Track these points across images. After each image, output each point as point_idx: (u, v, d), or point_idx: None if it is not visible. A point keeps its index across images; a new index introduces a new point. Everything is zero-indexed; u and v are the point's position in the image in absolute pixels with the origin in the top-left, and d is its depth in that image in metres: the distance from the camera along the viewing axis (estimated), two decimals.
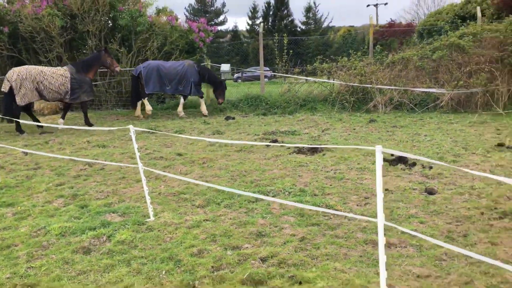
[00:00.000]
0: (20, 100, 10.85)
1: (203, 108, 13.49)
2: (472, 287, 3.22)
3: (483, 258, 2.78)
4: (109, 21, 15.56)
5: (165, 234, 4.54)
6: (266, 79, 50.47)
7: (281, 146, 8.31)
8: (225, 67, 17.88)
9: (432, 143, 8.29)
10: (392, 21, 45.65)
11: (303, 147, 7.91)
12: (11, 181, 6.82)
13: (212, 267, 3.75)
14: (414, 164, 6.66)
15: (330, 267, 3.61)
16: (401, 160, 6.81)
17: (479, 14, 14.81)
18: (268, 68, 49.02)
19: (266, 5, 70.56)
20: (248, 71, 55.17)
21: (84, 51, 15.12)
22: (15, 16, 14.12)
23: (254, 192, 5.65)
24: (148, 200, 5.01)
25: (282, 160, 7.50)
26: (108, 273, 3.76)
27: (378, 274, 3.28)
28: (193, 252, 4.04)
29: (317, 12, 70.91)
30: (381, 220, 2.92)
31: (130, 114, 14.32)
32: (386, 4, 60.35)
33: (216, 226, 4.66)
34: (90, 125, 11.66)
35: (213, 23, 65.54)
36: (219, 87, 13.71)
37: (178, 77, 13.02)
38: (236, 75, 48.78)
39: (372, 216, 4.66)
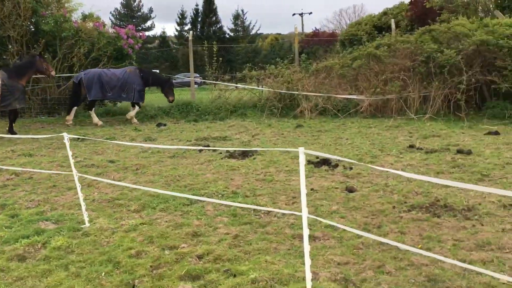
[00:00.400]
0: None
1: (132, 114, 13.48)
2: (383, 270, 3.69)
3: (393, 243, 3.24)
4: (31, 26, 15.00)
5: (102, 238, 4.65)
6: (196, 86, 50.61)
7: (214, 150, 8.61)
8: None
9: (352, 146, 8.98)
10: (316, 30, 47.65)
11: (234, 151, 8.25)
12: None
13: (151, 266, 3.95)
14: (336, 165, 7.22)
15: (262, 260, 3.94)
16: (325, 162, 7.34)
17: (393, 26, 16.06)
18: (198, 75, 49.10)
19: (194, 11, 70.55)
20: (178, 78, 54.83)
21: (4, 57, 14.46)
22: None
23: (186, 199, 5.89)
24: (83, 206, 5.08)
25: (215, 164, 7.78)
26: (47, 278, 3.83)
27: (304, 264, 3.67)
28: (131, 254, 4.21)
29: (245, 19, 72.02)
30: (305, 214, 3.31)
31: (55, 122, 13.91)
32: (310, 13, 62.90)
33: (153, 228, 4.84)
34: (14, 133, 11.24)
35: (140, 28, 64.41)
36: (165, 85, 13.75)
37: (120, 84, 13.02)
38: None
39: (298, 211, 5.09)
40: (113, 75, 13.16)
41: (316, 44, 40.25)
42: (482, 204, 5.11)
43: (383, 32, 17.43)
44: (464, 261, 3.70)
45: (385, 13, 31.24)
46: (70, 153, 5.13)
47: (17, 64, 12.02)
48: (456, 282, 3.39)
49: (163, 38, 73.85)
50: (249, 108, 14.22)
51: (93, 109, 13.24)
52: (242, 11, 71.43)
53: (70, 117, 13.14)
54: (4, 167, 7.12)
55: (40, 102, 14.51)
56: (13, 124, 11.43)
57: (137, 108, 13.60)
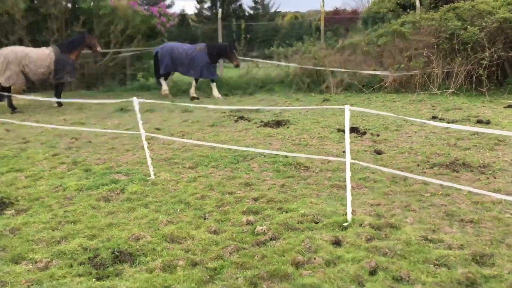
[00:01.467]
0: (4, 82, 11.24)
1: (215, 92, 13.75)
2: (409, 209, 4.47)
3: (422, 178, 4.01)
4: (69, 4, 15.85)
5: (169, 186, 5.52)
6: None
7: (249, 120, 9.40)
8: None
9: (378, 117, 9.66)
10: (337, 8, 47.58)
11: (268, 121, 9.01)
12: (7, 152, 7.47)
13: (216, 205, 4.80)
14: (364, 132, 7.96)
15: (307, 201, 4.76)
16: (354, 130, 8.08)
17: (417, 4, 16.41)
18: None
19: None
20: None
21: (44, 34, 15.36)
22: None
23: (233, 157, 6.73)
24: (149, 161, 5.95)
25: (252, 132, 8.59)
26: (133, 212, 4.72)
27: (343, 205, 4.48)
28: (197, 197, 5.07)
29: None
30: (348, 159, 4.09)
31: (93, 95, 14.80)
32: None
33: (210, 180, 5.70)
34: (61, 104, 12.21)
35: (157, 5, 64.92)
36: (228, 52, 13.58)
37: (188, 61, 13.48)
38: None
39: (334, 170, 5.90)
40: (184, 51, 13.62)
41: (337, 22, 40.25)
42: (497, 162, 5.83)
43: (408, 10, 17.80)
44: (476, 203, 4.46)
45: None
46: (139, 115, 5.94)
47: (69, 40, 12.83)
48: (469, 216, 4.16)
49: (182, 16, 74.14)
50: (277, 83, 14.90)
51: (163, 79, 14.00)
52: None
53: (163, 88, 13.99)
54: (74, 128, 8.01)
55: (80, 76, 15.45)
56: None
57: (194, 83, 13.88)
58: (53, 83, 12.27)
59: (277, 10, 73.64)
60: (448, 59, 12.92)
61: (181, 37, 63.69)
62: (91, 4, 15.10)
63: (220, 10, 17.59)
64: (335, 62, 14.34)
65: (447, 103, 11.04)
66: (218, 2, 71.97)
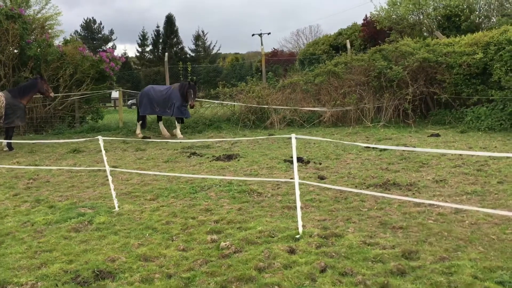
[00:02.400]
0: None
1: (178, 132, 13.98)
2: (350, 221, 5.22)
3: (360, 191, 4.77)
4: (16, 51, 16.01)
5: (134, 216, 5.98)
6: None
7: (201, 156, 9.99)
8: (115, 93, 19.08)
9: (319, 148, 10.60)
10: (275, 50, 49.89)
11: (220, 155, 9.65)
12: None
13: (181, 229, 5.33)
14: (308, 161, 8.79)
15: (263, 220, 5.40)
16: (299, 160, 8.89)
17: (348, 46, 18.02)
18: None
19: (155, 33, 71.75)
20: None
21: None
22: None
23: (191, 188, 7.29)
24: (114, 193, 6.38)
25: (206, 165, 9.19)
26: (104, 239, 5.14)
27: (294, 222, 5.16)
28: (163, 223, 5.57)
29: (205, 40, 73.92)
30: (296, 179, 4.82)
31: (43, 138, 14.84)
32: (269, 33, 65.25)
33: (172, 208, 6.21)
34: (12, 148, 12.25)
35: (100, 50, 65.13)
36: (186, 91, 13.72)
37: (163, 100, 13.80)
38: (130, 101, 49.15)
39: (284, 195, 6.61)
40: (160, 92, 13.94)
41: (276, 63, 42.20)
42: (421, 180, 6.79)
43: (340, 52, 19.44)
44: (404, 213, 5.31)
45: (340, 33, 33.54)
46: (104, 152, 6.41)
47: (20, 85, 12.96)
48: (399, 223, 4.98)
49: (125, 59, 74.25)
50: (224, 121, 15.68)
51: (139, 123, 14.38)
52: (203, 32, 73.31)
53: (137, 131, 14.39)
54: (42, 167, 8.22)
55: (28, 120, 15.46)
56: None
57: (177, 123, 14.08)
58: (3, 127, 12.33)
59: (218, 52, 75.66)
60: (378, 95, 14.32)
61: (123, 79, 63.65)
62: (38, 51, 15.34)
63: (166, 54, 18.25)
64: (277, 100, 15.39)
65: (379, 134, 12.23)
66: (160, 46, 72.84)
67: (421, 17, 24.92)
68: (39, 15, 17.46)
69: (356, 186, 6.79)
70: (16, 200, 7.15)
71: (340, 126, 14.38)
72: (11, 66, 15.41)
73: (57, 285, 4.00)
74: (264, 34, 62.69)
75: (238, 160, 9.59)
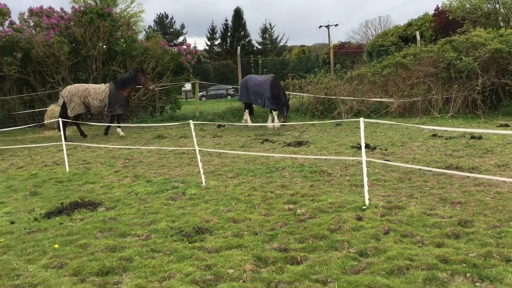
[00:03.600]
0: (70, 112, 13.05)
1: (275, 122, 14.03)
2: (412, 196, 5.81)
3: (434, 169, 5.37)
4: (105, 47, 17.70)
5: (220, 189, 6.92)
6: (229, 97, 52.74)
7: (273, 142, 10.83)
8: (188, 86, 20.34)
9: (385, 136, 11.08)
10: (343, 42, 49.78)
11: (291, 141, 10.43)
12: (76, 171, 8.96)
13: (262, 200, 6.18)
14: (375, 148, 9.36)
15: (333, 195, 6.13)
16: (365, 146, 9.45)
17: (418, 37, 18.08)
18: (231, 86, 51.70)
19: (224, 26, 73.70)
20: (212, 90, 57.46)
21: (84, 73, 17.17)
22: (26, 43, 16.06)
23: (267, 168, 8.13)
24: (202, 171, 7.37)
25: (279, 150, 10.01)
26: (197, 206, 6.10)
27: (361, 197, 5.84)
28: (245, 195, 6.45)
29: (273, 33, 74.79)
30: (364, 157, 5.49)
31: (127, 127, 16.40)
32: (336, 25, 65.05)
33: (252, 184, 7.09)
34: (106, 133, 13.92)
35: (172, 44, 68.17)
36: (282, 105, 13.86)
37: (256, 90, 14.05)
38: (200, 93, 51.23)
39: (352, 175, 7.28)
40: (255, 81, 14.24)
41: (343, 55, 42.17)
42: (483, 165, 7.19)
43: (409, 43, 19.48)
44: (464, 192, 5.82)
45: (410, 24, 33.05)
46: (194, 134, 7.41)
47: (123, 78, 14.35)
48: (458, 199, 5.52)
49: (199, 52, 76.87)
50: (293, 111, 16.42)
51: (246, 111, 14.84)
52: (270, 24, 74.20)
53: (244, 117, 14.98)
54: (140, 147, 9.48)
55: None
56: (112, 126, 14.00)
57: (272, 114, 14.21)
58: (106, 114, 13.92)
59: (284, 45, 76.24)
60: (446, 86, 14.41)
61: (193, 72, 65.82)
62: (124, 46, 16.89)
63: (238, 48, 19.27)
64: (345, 91, 15.89)
65: (446, 124, 12.44)
66: (228, 39, 74.59)
67: (497, 6, 24.14)
68: (125, 13, 19.07)
69: (419, 169, 7.31)
70: (118, 175, 8.37)
71: (407, 117, 14.65)
72: (101, 60, 17.08)
73: (166, 236, 4.98)
74: (331, 26, 62.44)
75: (308, 146, 10.33)
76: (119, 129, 13.90)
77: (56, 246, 4.81)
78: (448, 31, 23.68)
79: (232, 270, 3.95)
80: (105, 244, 4.75)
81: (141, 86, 14.58)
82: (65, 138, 13.00)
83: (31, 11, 18.07)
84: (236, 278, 3.80)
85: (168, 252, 4.48)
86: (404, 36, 31.09)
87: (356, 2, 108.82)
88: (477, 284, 3.44)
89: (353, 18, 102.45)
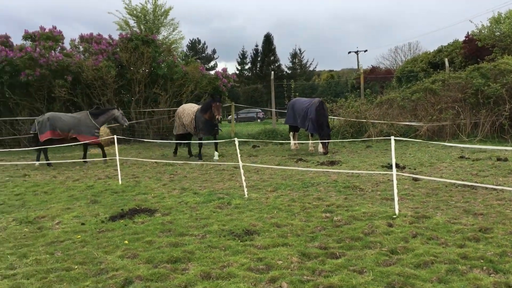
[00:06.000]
0: (174, 131, 13.90)
1: (318, 146, 13.80)
2: (438, 209, 6.41)
3: (465, 182, 5.99)
4: (147, 71, 18.94)
5: (262, 200, 7.65)
6: (258, 120, 53.62)
7: (306, 161, 11.50)
8: None
9: (414, 157, 11.64)
10: (372, 67, 50.40)
11: (324, 161, 11.09)
12: (127, 183, 9.86)
13: (301, 209, 6.87)
14: (404, 167, 9.95)
15: (366, 206, 6.78)
16: (396, 166, 10.06)
17: (447, 64, 18.63)
18: (260, 110, 52.78)
19: (254, 51, 75.39)
20: (241, 113, 58.73)
21: (127, 95, 18.40)
22: (77, 67, 17.42)
23: (303, 184, 8.83)
24: (244, 184, 8.13)
25: (312, 169, 10.70)
26: (243, 214, 6.84)
27: (392, 209, 6.48)
28: (285, 205, 7.16)
29: (302, 58, 76.04)
30: (394, 172, 6.16)
31: (167, 146, 17.42)
32: (366, 51, 65.63)
33: (289, 197, 7.79)
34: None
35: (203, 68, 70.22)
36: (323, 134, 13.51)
37: (303, 113, 14.05)
38: (229, 116, 52.48)
39: (383, 191, 7.91)
40: (301, 104, 14.24)
41: (372, 80, 42.68)
42: (507, 183, 7.71)
43: (438, 69, 20.03)
44: (487, 205, 6.38)
45: (439, 50, 33.45)
46: (239, 153, 8.20)
47: (205, 102, 14.03)
48: (481, 211, 6.09)
49: (236, 77, 78.64)
50: None
51: (291, 133, 15.07)
52: (300, 50, 75.46)
53: (292, 142, 14.98)
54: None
55: (156, 129, 18.20)
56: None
57: (310, 136, 14.32)
58: (195, 135, 14.07)
59: (313, 69, 77.23)
60: (474, 111, 14.88)
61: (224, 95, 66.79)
62: (166, 70, 18.06)
63: (272, 73, 20.21)
64: (375, 115, 16.53)
65: (474, 147, 12.89)
66: (258, 64, 76.08)
67: None
68: (166, 40, 20.36)
69: (446, 186, 7.88)
70: (166, 188, 9.22)
71: (436, 140, 15.13)
72: (144, 84, 18.28)
73: (219, 236, 5.72)
74: (360, 51, 63.21)
75: (340, 165, 10.99)
76: (215, 154, 13.45)
77: (126, 242, 5.62)
78: (478, 58, 24.10)
79: (281, 262, 4.66)
80: (168, 241, 5.53)
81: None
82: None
83: (81, 37, 19.56)
84: (285, 267, 4.50)
85: (224, 248, 5.22)
86: (434, 62, 31.48)
87: (384, 28, 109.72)
88: (492, 275, 4.04)
89: (380, 44, 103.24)
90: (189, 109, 13.77)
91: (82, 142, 13.39)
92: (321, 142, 13.33)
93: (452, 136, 15.09)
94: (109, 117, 14.02)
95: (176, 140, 13.88)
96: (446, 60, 19.35)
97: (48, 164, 13.33)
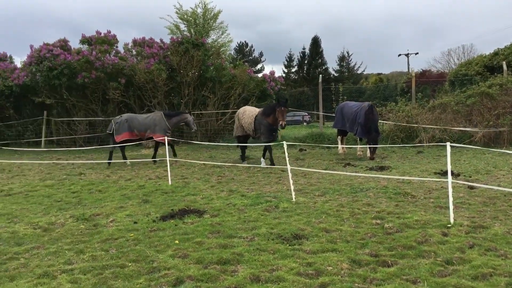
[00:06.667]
0: (234, 133, 13.83)
1: (368, 152, 13.37)
2: (497, 219, 6.11)
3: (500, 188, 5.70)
4: (196, 73, 19.28)
5: (310, 205, 7.58)
6: (305, 123, 53.24)
7: (355, 166, 11.30)
8: None
9: (470, 164, 11.18)
10: (423, 70, 48.97)
11: (373, 166, 10.86)
12: (177, 184, 10.05)
13: (350, 214, 6.76)
14: (458, 175, 9.58)
15: (418, 214, 6.58)
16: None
17: (505, 67, 17.81)
18: (306, 113, 52.38)
19: (301, 54, 75.03)
20: (288, 116, 58.41)
21: (177, 97, 18.80)
22: (130, 70, 18.00)
23: (351, 189, 8.68)
24: (292, 187, 8.09)
25: (361, 173, 10.51)
26: (291, 217, 6.80)
27: (446, 217, 6.24)
28: (334, 210, 7.06)
29: (350, 61, 74.98)
30: (450, 180, 5.93)
31: (216, 148, 17.66)
32: (417, 53, 63.91)
33: (339, 202, 7.68)
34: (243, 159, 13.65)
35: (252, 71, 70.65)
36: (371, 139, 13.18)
37: (352, 117, 13.74)
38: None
39: (436, 198, 7.65)
40: (350, 108, 13.95)
41: (424, 83, 41.40)
42: None
43: (495, 73, 19.17)
44: None
45: (496, 53, 31.98)
46: (287, 156, 8.18)
47: (268, 105, 13.41)
48: None
49: (283, 79, 78.84)
50: None
51: (338, 137, 14.72)
52: (348, 52, 74.42)
53: (339, 146, 14.57)
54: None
55: (204, 131, 18.49)
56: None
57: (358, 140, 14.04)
58: (254, 138, 13.57)
59: (361, 72, 76.05)
60: None
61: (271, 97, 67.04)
62: (214, 73, 18.31)
63: (320, 76, 20.05)
64: (427, 119, 16.03)
65: None
66: (305, 67, 75.79)
67: None
68: (215, 43, 20.70)
69: (505, 195, 7.52)
70: (215, 189, 9.32)
71: (492, 147, 14.47)
72: (193, 86, 18.62)
73: (268, 239, 5.72)
74: (411, 54, 61.60)
75: (390, 171, 10.73)
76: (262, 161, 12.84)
77: (177, 242, 5.72)
78: None
79: (330, 268, 4.59)
80: (217, 243, 5.58)
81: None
82: (175, 154, 14.17)
83: (134, 41, 20.20)
84: (335, 274, 4.44)
85: (272, 251, 5.21)
86: (490, 66, 30.12)
87: (434, 30, 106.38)
88: None
89: (432, 46, 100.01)
90: (250, 111, 13.33)
91: (151, 141, 13.85)
92: (369, 147, 12.98)
93: (510, 143, 14.38)
94: (181, 120, 14.36)
95: (237, 143, 13.53)
96: (504, 63, 18.49)
97: (109, 164, 13.92)
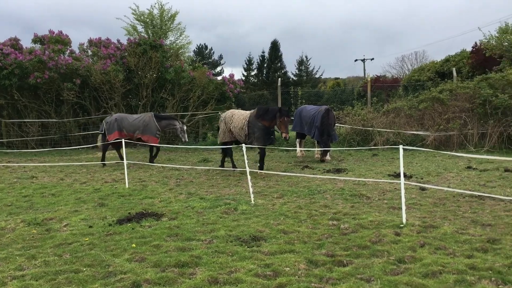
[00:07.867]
0: (218, 138, 12.88)
1: (322, 154, 13.69)
2: (446, 219, 6.39)
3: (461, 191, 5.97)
4: (154, 75, 19.04)
5: (268, 207, 7.65)
6: None
7: (313, 168, 11.50)
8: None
9: (421, 167, 11.61)
10: (377, 76, 50.39)
11: (330, 169, 11.08)
12: (134, 187, 9.89)
13: (307, 216, 6.87)
14: (411, 176, 9.92)
15: (372, 214, 6.77)
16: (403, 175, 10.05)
17: (454, 74, 18.61)
18: None
19: (260, 58, 75.44)
20: None
21: (134, 99, 18.49)
22: (85, 70, 17.56)
23: (309, 191, 8.83)
24: (251, 189, 8.14)
25: (319, 176, 10.70)
26: (249, 220, 6.84)
27: (399, 217, 6.46)
28: (292, 212, 7.16)
29: (308, 65, 76.05)
30: (402, 181, 6.15)
31: (172, 150, 17.48)
32: (372, 59, 65.62)
33: (297, 203, 7.79)
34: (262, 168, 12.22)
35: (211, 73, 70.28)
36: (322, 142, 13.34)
37: (310, 121, 13.82)
38: None
39: (390, 199, 7.89)
40: (308, 111, 14.08)
41: (379, 88, 42.52)
42: None
43: (446, 79, 19.99)
44: (495, 216, 6.35)
45: (447, 60, 33.35)
46: (246, 159, 8.21)
47: (267, 108, 11.87)
48: (489, 222, 6.06)
49: (243, 82, 78.71)
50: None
51: (297, 140, 14.95)
52: (306, 57, 75.41)
53: (298, 149, 14.86)
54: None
55: (163, 135, 18.24)
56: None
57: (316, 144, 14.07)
58: (246, 144, 10.72)
59: (319, 77, 77.29)
60: (482, 121, 14.84)
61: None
62: (173, 75, 18.14)
63: (279, 79, 20.26)
64: (381, 123, 16.51)
65: (481, 158, 12.84)
66: (264, 70, 76.30)
67: None
68: (174, 45, 20.50)
69: (453, 196, 7.86)
70: (173, 192, 9.24)
71: (443, 150, 15.07)
72: (151, 88, 18.37)
73: (226, 241, 5.73)
74: (367, 59, 63.23)
75: (346, 173, 10.98)
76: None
77: (134, 245, 5.63)
78: (485, 68, 24.04)
79: (288, 268, 4.66)
80: (175, 246, 5.54)
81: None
82: (121, 158, 13.97)
83: (90, 41, 19.72)
84: (292, 274, 4.50)
85: (231, 254, 5.22)
86: (441, 72, 31.39)
87: (391, 37, 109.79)
88: (500, 286, 4.03)
89: (387, 52, 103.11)
90: (239, 115, 12.18)
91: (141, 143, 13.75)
92: (317, 149, 13.19)
93: (459, 146, 15.04)
94: (170, 124, 14.22)
95: (222, 149, 12.63)
96: (454, 69, 19.33)
97: (104, 165, 13.85)
